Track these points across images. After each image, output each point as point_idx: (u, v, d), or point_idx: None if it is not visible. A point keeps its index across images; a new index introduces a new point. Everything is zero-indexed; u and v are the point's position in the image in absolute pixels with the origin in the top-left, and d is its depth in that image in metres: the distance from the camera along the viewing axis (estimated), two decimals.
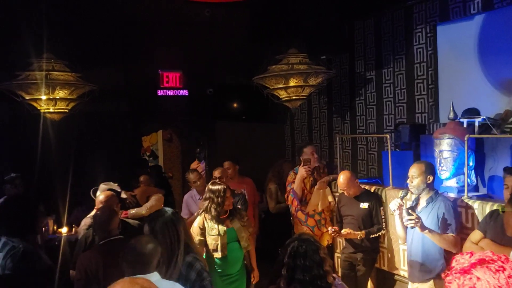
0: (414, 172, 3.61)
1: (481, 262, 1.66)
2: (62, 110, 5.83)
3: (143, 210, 4.52)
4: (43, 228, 3.59)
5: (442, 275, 1.78)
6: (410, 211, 3.44)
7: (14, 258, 2.85)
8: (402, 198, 3.72)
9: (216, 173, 5.09)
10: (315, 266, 2.33)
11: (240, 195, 5.08)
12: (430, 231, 3.41)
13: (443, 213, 3.49)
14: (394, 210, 3.73)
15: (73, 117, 6.03)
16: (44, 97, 5.55)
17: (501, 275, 1.59)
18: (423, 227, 3.39)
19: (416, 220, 3.38)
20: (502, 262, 1.65)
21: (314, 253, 2.36)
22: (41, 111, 5.77)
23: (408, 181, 3.66)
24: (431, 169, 3.66)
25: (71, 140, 6.75)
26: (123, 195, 4.58)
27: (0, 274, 2.82)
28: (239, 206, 4.73)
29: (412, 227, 3.57)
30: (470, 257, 1.72)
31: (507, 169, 3.34)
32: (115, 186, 4.27)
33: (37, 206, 3.26)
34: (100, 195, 3.74)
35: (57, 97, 5.62)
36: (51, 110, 5.74)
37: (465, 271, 1.66)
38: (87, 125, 6.99)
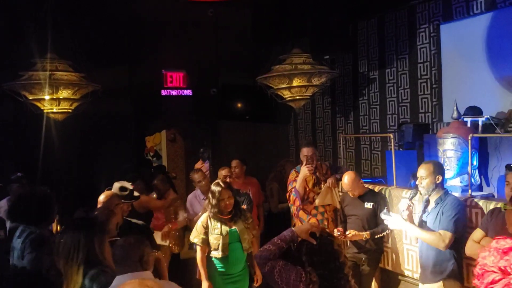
0: (423, 173, 3.57)
1: None
2: (66, 110, 5.86)
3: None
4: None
5: (478, 250, 1.77)
6: (409, 200, 3.58)
7: (33, 242, 3.09)
8: (411, 199, 3.70)
9: (224, 172, 5.09)
10: (332, 259, 2.37)
11: (245, 195, 5.08)
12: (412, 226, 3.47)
13: (446, 211, 3.46)
14: (403, 211, 3.70)
15: (76, 117, 6.05)
16: (47, 97, 5.57)
17: None
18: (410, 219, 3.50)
19: (407, 207, 3.58)
20: None
21: (328, 247, 2.40)
22: (44, 111, 5.79)
23: (417, 182, 3.62)
24: (439, 169, 3.62)
25: (74, 140, 6.77)
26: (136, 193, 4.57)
27: (20, 256, 3.05)
28: (244, 206, 4.72)
29: (403, 211, 3.65)
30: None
31: (508, 166, 3.33)
32: (128, 185, 4.27)
33: (51, 197, 3.46)
34: (101, 195, 3.73)
35: (61, 97, 5.65)
36: (54, 110, 5.76)
37: (503, 251, 1.67)
38: (90, 125, 7.00)
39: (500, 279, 1.61)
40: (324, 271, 2.33)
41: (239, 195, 4.98)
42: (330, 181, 4.79)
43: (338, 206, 4.75)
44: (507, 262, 1.61)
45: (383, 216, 3.79)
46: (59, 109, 5.76)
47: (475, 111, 4.52)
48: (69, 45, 6.02)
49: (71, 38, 6.17)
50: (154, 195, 5.53)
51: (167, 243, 5.24)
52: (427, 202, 3.74)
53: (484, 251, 1.75)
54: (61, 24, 5.78)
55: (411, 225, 3.58)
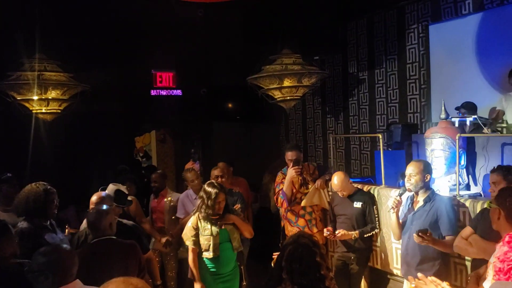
0: (412, 171, 3.63)
1: None
2: (55, 111, 5.81)
3: None
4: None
5: (503, 242, 1.79)
6: (397, 196, 3.64)
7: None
8: (400, 196, 3.76)
9: (217, 172, 5.08)
10: (311, 271, 2.33)
11: (238, 194, 5.09)
12: (435, 242, 3.42)
13: (443, 215, 3.51)
14: (392, 208, 3.75)
15: (65, 118, 6.01)
16: (36, 98, 5.53)
17: None
18: (434, 241, 3.40)
19: (396, 203, 3.63)
20: None
21: (309, 258, 2.35)
22: (33, 111, 5.75)
23: (406, 179, 3.68)
24: (428, 168, 3.69)
25: (63, 141, 6.73)
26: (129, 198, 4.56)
27: None
28: (238, 206, 4.74)
29: (392, 208, 3.72)
30: None
31: (492, 169, 3.39)
32: (124, 189, 4.26)
33: (48, 192, 3.53)
34: (93, 196, 3.73)
35: (50, 98, 5.60)
36: (43, 111, 5.72)
37: None
38: (79, 126, 6.96)
39: None
40: (303, 280, 2.30)
41: (232, 194, 4.99)
42: (318, 182, 4.82)
43: (327, 207, 4.78)
44: None
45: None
46: (48, 109, 5.72)
47: (469, 106, 4.60)
48: (58, 45, 5.98)
49: (59, 38, 6.13)
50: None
51: (167, 249, 5.29)
52: (412, 200, 3.79)
53: (500, 247, 1.76)
54: (50, 24, 5.74)
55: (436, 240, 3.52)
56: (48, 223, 3.59)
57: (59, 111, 5.84)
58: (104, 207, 3.37)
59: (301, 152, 5.05)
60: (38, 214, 3.48)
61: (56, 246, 2.75)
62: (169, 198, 5.47)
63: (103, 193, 3.79)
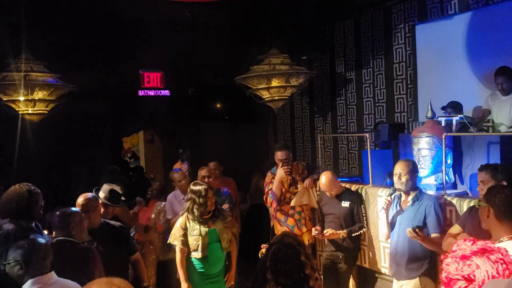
0: (402, 170, 3.67)
1: (482, 251, 1.71)
2: (41, 112, 5.76)
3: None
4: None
5: (442, 257, 1.81)
6: (388, 197, 3.70)
7: None
8: (390, 195, 3.78)
9: (203, 172, 5.08)
10: (295, 271, 2.32)
11: (226, 194, 5.10)
12: (425, 239, 3.44)
13: (431, 213, 3.55)
14: (384, 208, 3.78)
15: (52, 119, 5.95)
16: (22, 99, 5.47)
17: (500, 267, 1.65)
18: (424, 238, 3.42)
19: (387, 203, 3.68)
20: (502, 254, 1.70)
21: (294, 258, 2.34)
22: (19, 112, 5.68)
23: (396, 178, 3.70)
24: (416, 167, 3.77)
25: (50, 142, 6.66)
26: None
27: None
28: (227, 205, 4.75)
29: (383, 208, 3.76)
30: (472, 244, 1.76)
31: (480, 167, 3.43)
32: (118, 188, 4.24)
33: (31, 193, 3.50)
34: (79, 197, 3.70)
35: (36, 98, 5.55)
36: (30, 112, 5.66)
37: (465, 257, 1.70)
38: (66, 127, 6.89)
39: (466, 287, 1.64)
40: (287, 281, 2.30)
41: (219, 194, 4.99)
42: (307, 182, 4.84)
43: (316, 206, 4.80)
44: (470, 269, 1.65)
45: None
46: (34, 110, 5.66)
47: (455, 106, 4.65)
48: (45, 46, 5.92)
49: (46, 38, 6.08)
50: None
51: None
52: (400, 200, 3.83)
53: (447, 257, 1.79)
54: (36, 24, 5.68)
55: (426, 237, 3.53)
56: (34, 224, 3.56)
57: (45, 112, 5.78)
58: (73, 209, 3.34)
59: (290, 151, 5.07)
60: (22, 215, 3.43)
61: (32, 239, 2.82)
62: (158, 207, 5.44)
63: (89, 195, 3.77)
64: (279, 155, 4.87)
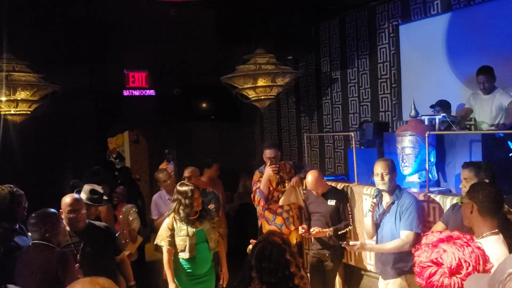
0: (384, 170, 3.69)
1: (448, 238, 1.78)
2: (24, 112, 5.68)
3: None
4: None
5: (413, 250, 1.87)
6: (374, 199, 3.74)
7: None
8: (376, 197, 3.81)
9: (186, 173, 5.06)
10: (280, 269, 2.34)
11: (212, 193, 5.09)
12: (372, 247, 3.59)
13: (407, 211, 3.59)
14: (369, 210, 3.81)
15: (35, 119, 5.88)
16: (4, 99, 5.39)
17: (466, 249, 1.72)
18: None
19: (373, 205, 3.72)
20: (467, 239, 1.78)
21: (279, 256, 2.35)
22: (1, 113, 5.61)
23: (378, 179, 3.72)
24: (395, 166, 3.79)
25: (33, 143, 6.58)
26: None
27: None
28: (213, 205, 4.74)
29: (369, 211, 3.78)
30: (439, 235, 1.82)
31: (463, 164, 3.46)
32: (99, 188, 4.19)
33: (13, 195, 3.49)
34: (66, 198, 3.66)
35: (19, 99, 5.47)
36: (12, 112, 5.58)
37: (433, 245, 1.77)
38: (50, 127, 6.82)
39: (436, 271, 1.71)
40: (271, 279, 2.31)
41: (206, 194, 4.99)
42: (294, 180, 4.86)
43: (303, 205, 4.82)
44: (437, 254, 1.73)
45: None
46: (17, 110, 5.58)
47: (443, 105, 4.71)
48: (27, 45, 5.84)
49: (28, 37, 6.00)
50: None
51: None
52: (381, 199, 3.86)
53: (417, 249, 1.85)
54: (18, 23, 5.61)
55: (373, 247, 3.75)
56: (17, 226, 3.52)
57: (29, 112, 5.71)
58: (49, 210, 3.30)
59: (279, 150, 5.08)
60: (5, 217, 3.40)
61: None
62: (123, 209, 5.38)
63: (75, 195, 3.73)
64: (267, 153, 4.88)
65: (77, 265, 3.23)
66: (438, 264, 1.72)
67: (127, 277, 3.88)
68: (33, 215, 3.22)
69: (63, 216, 3.44)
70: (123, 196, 5.51)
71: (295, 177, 4.91)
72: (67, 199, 3.56)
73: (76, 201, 3.58)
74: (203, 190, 4.96)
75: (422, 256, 1.77)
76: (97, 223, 3.82)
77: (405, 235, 3.54)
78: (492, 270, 1.65)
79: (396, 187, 3.74)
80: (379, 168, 3.71)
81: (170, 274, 4.08)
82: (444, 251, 1.72)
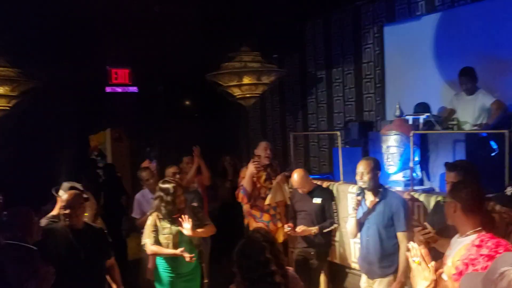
0: (364, 169, 3.72)
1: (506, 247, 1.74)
2: (3, 108, 5.57)
3: None
4: None
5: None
6: (357, 196, 3.79)
7: None
8: (358, 195, 3.83)
9: (172, 170, 5.01)
10: (260, 267, 2.35)
11: (195, 192, 5.05)
12: None
13: (399, 211, 3.62)
14: (354, 209, 3.83)
15: (15, 115, 5.76)
16: None
17: None
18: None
19: (357, 202, 3.77)
20: None
21: (258, 254, 2.36)
22: None
23: (358, 177, 3.76)
24: (378, 165, 3.81)
25: (12, 139, 6.45)
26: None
27: None
28: (195, 204, 4.70)
29: (354, 209, 3.83)
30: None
31: (447, 165, 3.46)
32: (78, 185, 4.11)
33: None
34: (64, 194, 3.57)
35: None
36: None
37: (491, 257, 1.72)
38: (30, 124, 6.69)
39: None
40: (252, 276, 2.34)
41: (188, 192, 4.95)
42: (279, 177, 4.86)
43: (289, 202, 4.83)
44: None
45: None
46: None
47: (423, 107, 4.76)
48: (6, 39, 5.71)
49: (8, 31, 5.86)
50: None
51: None
52: (363, 196, 3.89)
53: (469, 249, 1.84)
54: None
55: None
56: None
57: (8, 108, 5.59)
58: (21, 208, 3.23)
59: (270, 146, 5.05)
60: None
61: None
62: None
63: (74, 191, 3.63)
64: (257, 148, 4.91)
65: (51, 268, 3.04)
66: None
67: (117, 281, 3.82)
68: (4, 212, 3.15)
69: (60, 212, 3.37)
70: None
71: (280, 174, 4.91)
72: (64, 195, 3.46)
73: (74, 197, 3.48)
74: (185, 189, 4.93)
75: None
76: (93, 224, 3.75)
77: (403, 236, 3.57)
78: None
79: (379, 186, 3.77)
80: (360, 167, 3.75)
81: (166, 252, 3.99)
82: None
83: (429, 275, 1.99)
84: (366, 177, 3.71)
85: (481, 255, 2.18)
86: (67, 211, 3.36)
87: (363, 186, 3.77)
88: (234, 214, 5.74)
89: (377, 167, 3.76)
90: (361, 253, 3.96)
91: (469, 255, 2.26)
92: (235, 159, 6.78)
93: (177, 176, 4.87)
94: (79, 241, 3.36)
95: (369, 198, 3.82)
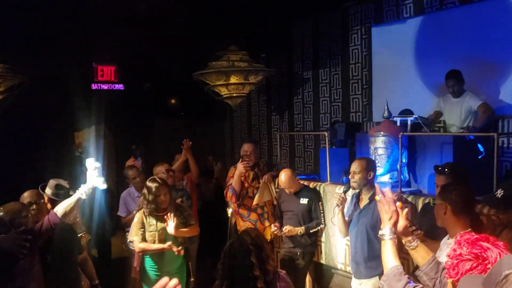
0: (356, 168, 3.71)
1: (487, 239, 1.76)
2: None
3: None
4: None
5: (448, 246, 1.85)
6: (342, 193, 3.80)
7: None
8: (345, 193, 3.84)
9: (164, 167, 4.95)
10: (245, 269, 2.38)
11: (183, 190, 5.02)
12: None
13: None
14: (337, 205, 3.83)
15: (0, 111, 5.65)
16: None
17: (508, 251, 1.71)
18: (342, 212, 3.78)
19: (341, 200, 3.78)
20: (504, 244, 1.78)
21: (243, 256, 2.39)
22: None
23: (350, 177, 3.76)
24: (372, 166, 3.78)
25: None
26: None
27: None
28: (183, 203, 4.67)
29: (337, 205, 3.85)
30: (475, 235, 1.83)
31: (436, 169, 3.45)
32: (65, 183, 4.05)
33: None
34: (48, 191, 3.54)
35: None
36: None
37: (473, 242, 1.75)
38: (15, 120, 6.58)
39: (476, 266, 1.69)
40: (234, 276, 2.39)
41: (176, 190, 4.92)
42: (265, 177, 4.85)
43: (275, 202, 4.82)
44: (480, 249, 1.71)
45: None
46: None
47: (407, 113, 4.78)
48: None
49: None
50: None
51: None
52: (358, 198, 3.89)
53: (454, 244, 1.84)
54: None
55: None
56: None
57: None
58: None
59: (255, 144, 5.06)
60: None
61: None
62: None
63: (35, 191, 3.60)
64: (243, 147, 4.89)
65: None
66: (481, 258, 1.69)
67: (90, 276, 3.79)
68: None
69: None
70: None
71: (266, 174, 4.90)
72: (24, 194, 3.45)
73: (36, 194, 3.47)
74: (173, 186, 4.89)
75: (463, 249, 1.75)
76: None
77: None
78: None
79: (372, 187, 3.76)
80: (353, 166, 3.75)
81: (155, 247, 3.97)
82: (488, 248, 1.70)
83: (389, 208, 2.14)
84: (356, 177, 3.70)
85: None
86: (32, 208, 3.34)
87: (353, 185, 3.77)
88: (217, 213, 5.71)
89: (369, 168, 3.73)
90: (350, 253, 3.97)
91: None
92: (217, 159, 6.76)
93: (170, 173, 4.84)
94: (49, 238, 3.32)
95: (362, 198, 3.83)
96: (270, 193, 4.85)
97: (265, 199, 4.83)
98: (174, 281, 1.46)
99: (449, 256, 1.79)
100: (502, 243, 1.78)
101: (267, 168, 5.05)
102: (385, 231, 2.15)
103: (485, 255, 1.69)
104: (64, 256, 3.42)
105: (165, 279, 1.47)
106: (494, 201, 2.70)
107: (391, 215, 2.15)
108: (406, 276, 1.99)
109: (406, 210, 2.22)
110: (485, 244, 1.73)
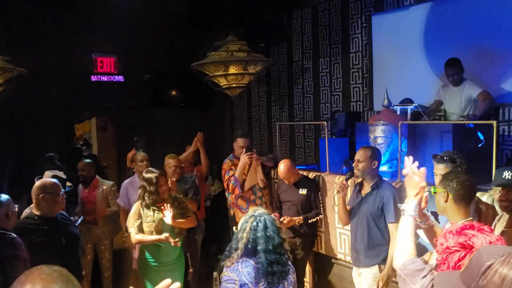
0: (360, 157, 3.69)
1: (472, 227, 1.75)
2: None
3: None
4: None
5: (434, 240, 1.85)
6: (344, 180, 3.82)
7: None
8: (347, 180, 3.83)
9: (174, 162, 4.91)
10: (276, 236, 2.60)
11: (191, 182, 5.03)
12: None
13: (389, 202, 3.58)
14: (338, 191, 3.82)
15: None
16: None
17: (493, 235, 1.70)
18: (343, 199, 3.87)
19: (342, 186, 3.78)
20: (490, 228, 1.77)
21: (272, 224, 2.64)
22: None
23: (354, 165, 3.75)
24: (376, 155, 3.75)
25: None
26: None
27: None
28: (188, 194, 4.71)
29: (337, 191, 3.88)
30: (460, 224, 1.83)
31: (435, 158, 3.40)
32: (61, 174, 4.05)
33: None
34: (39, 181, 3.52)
35: None
36: None
37: (458, 232, 1.74)
38: (15, 112, 6.58)
39: (465, 255, 1.68)
40: (268, 246, 2.61)
41: (186, 181, 4.94)
42: (254, 162, 4.80)
43: (261, 184, 4.79)
44: (466, 238, 1.70)
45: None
46: None
47: (408, 102, 4.75)
48: None
49: None
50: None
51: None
52: (361, 186, 3.87)
53: (441, 238, 1.83)
54: None
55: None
56: None
57: None
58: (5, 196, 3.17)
59: (251, 139, 5.07)
60: None
61: None
62: (103, 187, 5.24)
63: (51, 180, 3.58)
64: (240, 141, 4.87)
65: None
66: (467, 247, 1.68)
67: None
68: None
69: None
70: (89, 169, 5.29)
71: (255, 159, 4.87)
72: (38, 183, 3.42)
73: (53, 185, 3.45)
74: (182, 177, 4.93)
75: (449, 242, 1.74)
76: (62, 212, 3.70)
77: (394, 227, 3.53)
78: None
79: (375, 176, 3.74)
80: (358, 154, 3.74)
81: (151, 239, 3.98)
82: (473, 235, 1.69)
83: (419, 183, 2.08)
84: (360, 165, 3.68)
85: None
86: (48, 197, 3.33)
87: (356, 174, 3.75)
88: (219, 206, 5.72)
89: (374, 157, 3.70)
90: (351, 242, 3.96)
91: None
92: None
93: (177, 170, 4.85)
94: (58, 229, 3.35)
95: (364, 187, 3.81)
96: (256, 176, 4.81)
97: (253, 183, 4.81)
98: (177, 284, 1.45)
99: (438, 251, 1.77)
100: (487, 227, 1.77)
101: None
102: (409, 206, 2.10)
103: (471, 243, 1.67)
104: (71, 245, 3.48)
105: (167, 281, 1.46)
106: (505, 183, 2.73)
107: (418, 191, 2.09)
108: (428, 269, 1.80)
109: (426, 193, 2.19)
110: (469, 231, 1.72)
